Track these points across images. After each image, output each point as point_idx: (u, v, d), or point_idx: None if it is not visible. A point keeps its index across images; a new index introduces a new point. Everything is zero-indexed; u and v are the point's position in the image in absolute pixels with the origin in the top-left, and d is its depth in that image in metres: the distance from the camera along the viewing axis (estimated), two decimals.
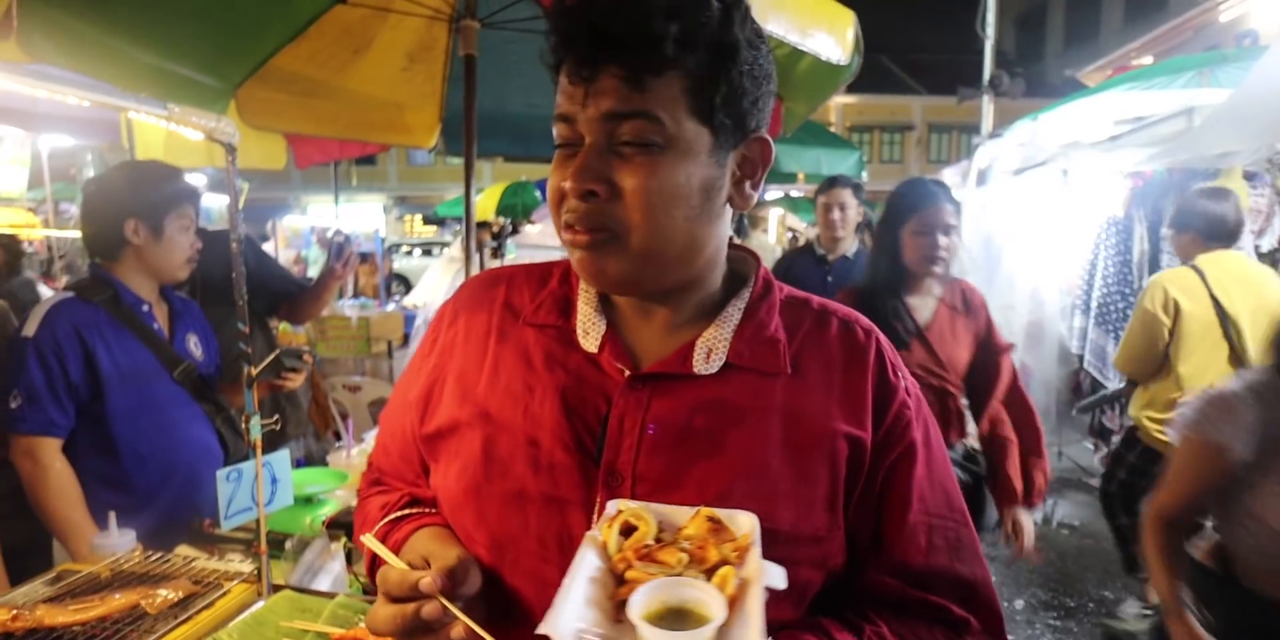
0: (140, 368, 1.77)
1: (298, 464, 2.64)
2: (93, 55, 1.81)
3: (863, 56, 2.02)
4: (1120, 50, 9.34)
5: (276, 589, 1.41)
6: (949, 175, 7.56)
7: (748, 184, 0.73)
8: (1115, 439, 4.24)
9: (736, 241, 0.82)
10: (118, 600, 1.23)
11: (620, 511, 0.64)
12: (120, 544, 1.50)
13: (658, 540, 0.62)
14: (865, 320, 0.80)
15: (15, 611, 1.18)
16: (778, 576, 0.58)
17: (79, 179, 4.45)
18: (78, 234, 4.06)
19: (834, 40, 1.81)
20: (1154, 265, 4.14)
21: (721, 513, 0.63)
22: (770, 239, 11.80)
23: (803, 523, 0.69)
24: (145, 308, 1.83)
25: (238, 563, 1.50)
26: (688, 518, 0.64)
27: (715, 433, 0.70)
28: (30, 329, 1.65)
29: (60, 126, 3.55)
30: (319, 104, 2.91)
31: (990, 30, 7.83)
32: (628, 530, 0.62)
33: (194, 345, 1.94)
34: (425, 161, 20.21)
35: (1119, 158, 4.18)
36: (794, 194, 12.25)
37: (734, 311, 0.76)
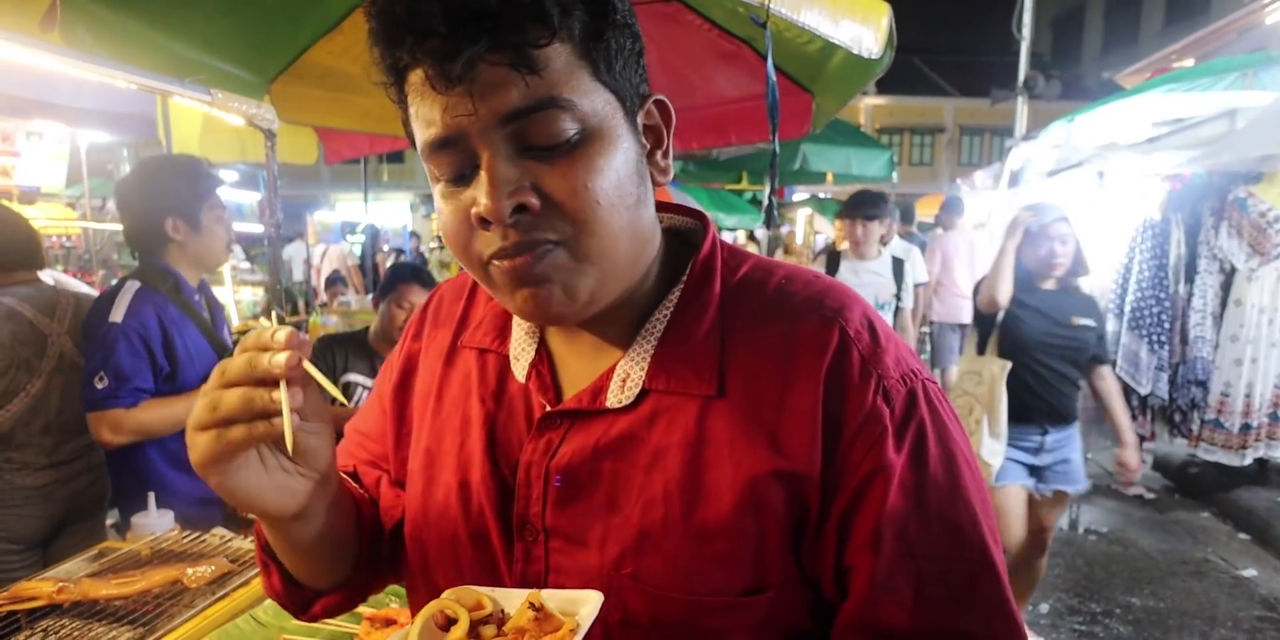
0: (200, 351, 1.87)
1: None
2: (133, 48, 1.86)
3: (895, 50, 2.00)
4: (1160, 52, 9.13)
5: None
6: (980, 178, 7.47)
7: (659, 154, 0.62)
8: (1147, 445, 4.16)
9: (761, 233, 0.71)
10: (158, 575, 1.26)
11: (441, 599, 0.56)
12: (159, 524, 1.53)
13: (474, 635, 0.54)
14: (839, 297, 0.63)
15: (61, 584, 1.22)
16: None
17: (115, 175, 4.55)
18: (115, 227, 4.16)
19: (868, 32, 1.80)
20: (1190, 270, 4.05)
21: (554, 597, 0.55)
22: (798, 240, 11.76)
23: (730, 582, 0.57)
24: (196, 297, 1.94)
25: None
26: (520, 602, 0.55)
27: (622, 480, 0.60)
28: (118, 315, 1.74)
29: (98, 122, 3.64)
30: (351, 98, 2.95)
31: (1026, 31, 7.70)
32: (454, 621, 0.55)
33: (226, 333, 2.04)
34: None
35: (1157, 160, 4.10)
36: (821, 195, 12.18)
37: (660, 320, 0.63)
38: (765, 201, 1.94)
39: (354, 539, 0.70)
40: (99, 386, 1.70)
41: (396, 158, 18.76)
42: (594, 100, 0.55)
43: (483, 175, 0.53)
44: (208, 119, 3.75)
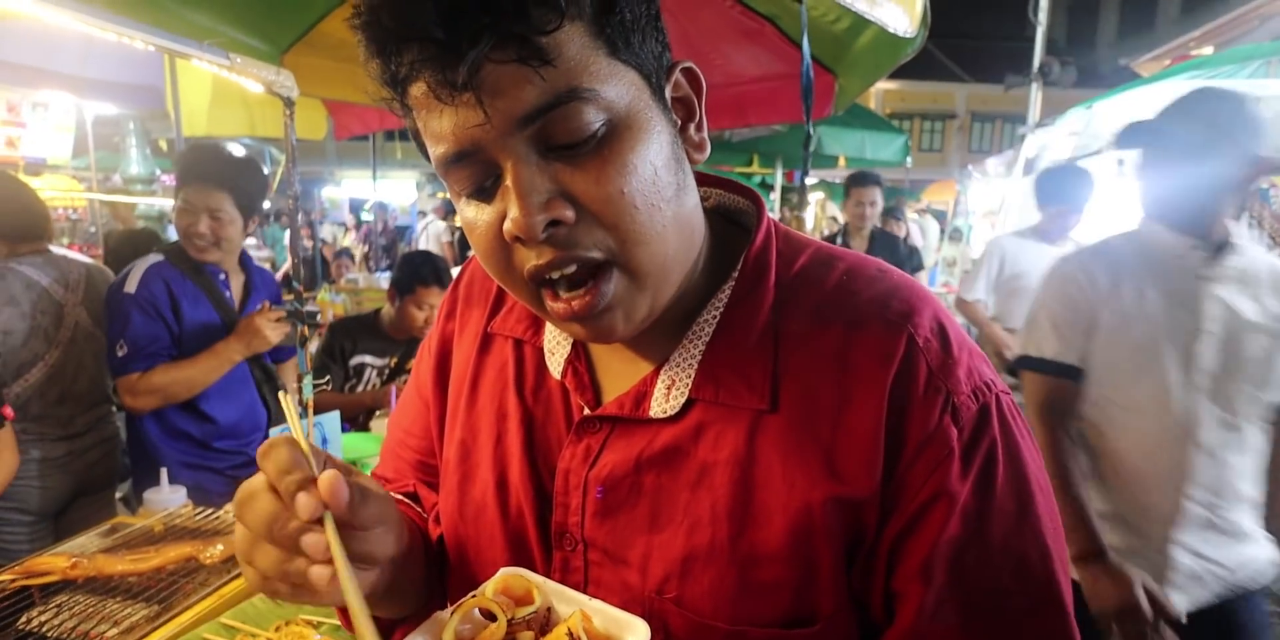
0: (207, 327, 1.89)
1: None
2: (147, 14, 1.81)
3: (929, 30, 1.95)
4: (1179, 40, 8.99)
5: None
6: (992, 165, 7.39)
7: (691, 127, 0.56)
8: None
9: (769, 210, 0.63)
10: (173, 551, 1.24)
11: (490, 584, 0.53)
12: (171, 500, 1.52)
13: (510, 637, 0.50)
14: (908, 297, 0.56)
15: (74, 560, 1.20)
16: None
17: (121, 147, 4.50)
18: (122, 199, 4.13)
19: (902, 10, 1.75)
20: None
21: (602, 614, 0.51)
22: (808, 225, 11.69)
23: (778, 612, 0.53)
24: (222, 276, 1.96)
25: None
26: (569, 607, 0.52)
27: (666, 496, 0.56)
28: (131, 286, 1.80)
29: (105, 93, 3.58)
30: (364, 71, 2.89)
31: (1043, 16, 7.57)
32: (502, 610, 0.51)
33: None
34: None
35: None
36: (832, 179, 12.09)
37: (708, 321, 0.58)
38: (797, 182, 1.91)
39: (423, 574, 0.67)
40: (119, 354, 1.76)
41: (405, 135, 18.62)
42: (616, 84, 0.49)
43: (509, 186, 0.48)
44: (216, 92, 3.69)
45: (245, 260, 2.05)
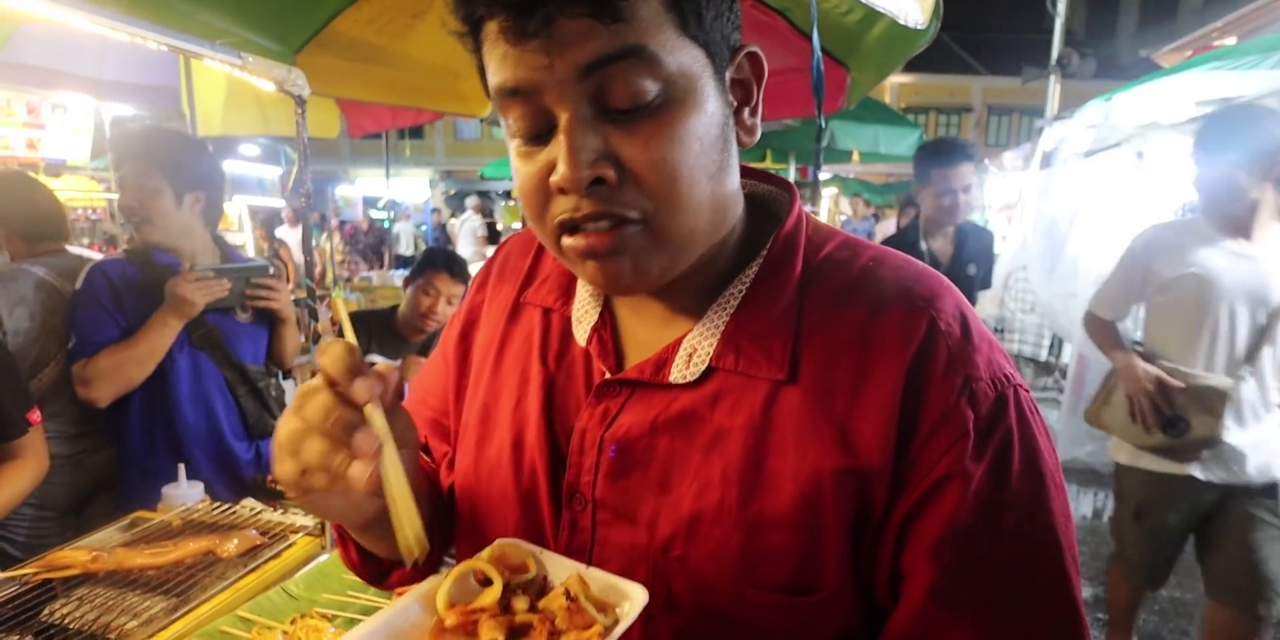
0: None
1: None
2: (160, 15, 1.82)
3: (941, 22, 1.93)
4: (1201, 30, 8.85)
5: None
6: (1010, 159, 7.32)
7: (746, 111, 0.58)
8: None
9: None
10: (192, 546, 1.26)
11: (485, 552, 0.55)
12: (189, 495, 1.54)
13: (505, 605, 0.52)
14: (932, 285, 0.58)
15: (95, 553, 1.22)
16: None
17: None
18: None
19: (914, 1, 1.73)
20: None
21: (598, 580, 0.52)
22: (822, 221, 11.63)
23: (780, 578, 0.54)
24: (185, 265, 1.86)
25: (301, 517, 1.53)
26: (565, 573, 0.53)
27: (678, 459, 0.57)
28: (76, 285, 1.80)
29: (122, 94, 3.63)
30: (377, 70, 2.91)
31: (1061, 6, 7.47)
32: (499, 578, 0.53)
33: (238, 314, 1.95)
34: (472, 136, 20.32)
35: None
36: (845, 175, 12.00)
37: (734, 295, 0.60)
38: (810, 177, 1.90)
39: (430, 515, 0.68)
40: (69, 347, 1.76)
41: (417, 134, 18.76)
42: (680, 57, 0.51)
43: (560, 139, 0.51)
44: (231, 91, 3.72)
45: (226, 253, 1.96)
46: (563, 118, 0.51)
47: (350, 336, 0.53)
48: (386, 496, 0.52)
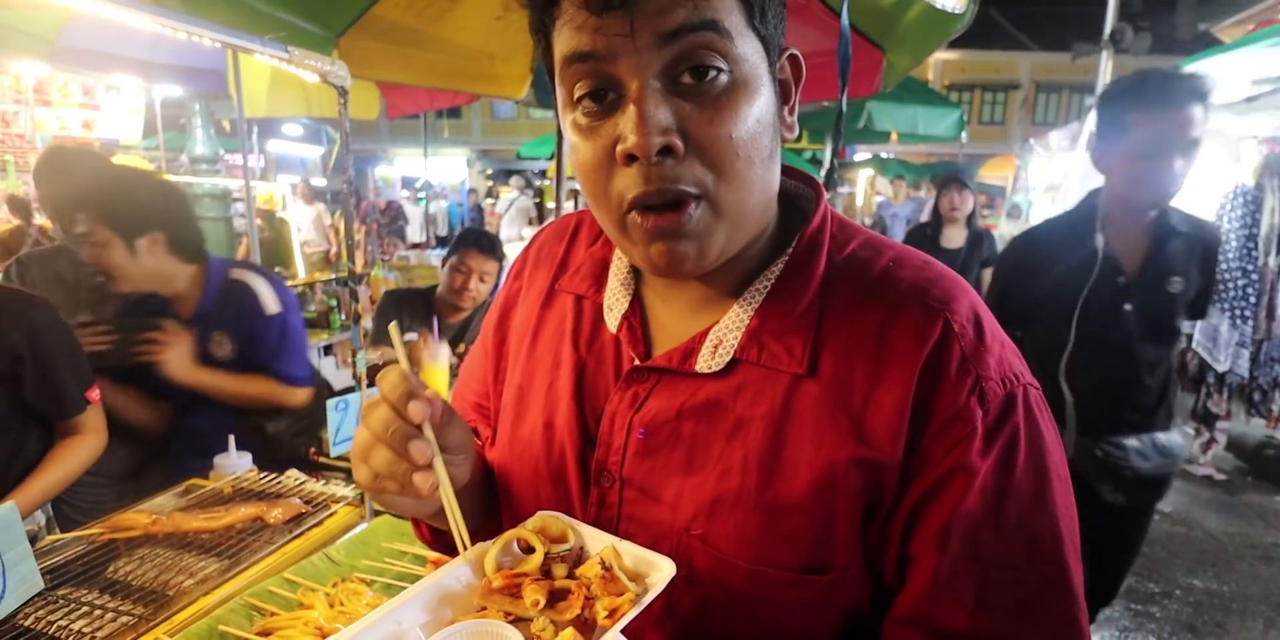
0: None
1: None
2: (209, 5, 1.89)
3: (979, 5, 1.90)
4: (1265, 3, 8.41)
5: (376, 514, 1.50)
6: (1056, 138, 7.09)
7: (785, 109, 0.61)
8: (1222, 424, 4.00)
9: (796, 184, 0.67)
10: (242, 512, 1.35)
11: (530, 522, 0.60)
12: (239, 464, 1.63)
13: (545, 570, 0.57)
14: (949, 287, 0.60)
15: (155, 517, 1.31)
16: None
17: (188, 128, 4.73)
18: (191, 180, 4.33)
19: None
20: None
21: (630, 553, 0.56)
22: (858, 202, 11.45)
23: (795, 558, 0.57)
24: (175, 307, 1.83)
25: (341, 488, 1.61)
26: (601, 546, 0.57)
27: (702, 443, 0.60)
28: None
29: (173, 76, 3.73)
30: (416, 53, 2.96)
31: None
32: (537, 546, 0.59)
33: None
34: (508, 115, 20.34)
35: (1255, 121, 3.83)
36: (884, 155, 11.78)
37: (760, 290, 0.62)
38: (826, 163, 1.89)
39: (484, 499, 0.74)
40: None
41: (454, 114, 18.86)
42: (745, 45, 0.54)
43: (631, 109, 0.52)
44: (275, 75, 3.81)
45: (239, 295, 1.82)
46: (633, 86, 0.52)
47: (404, 362, 0.58)
48: (443, 497, 0.60)
